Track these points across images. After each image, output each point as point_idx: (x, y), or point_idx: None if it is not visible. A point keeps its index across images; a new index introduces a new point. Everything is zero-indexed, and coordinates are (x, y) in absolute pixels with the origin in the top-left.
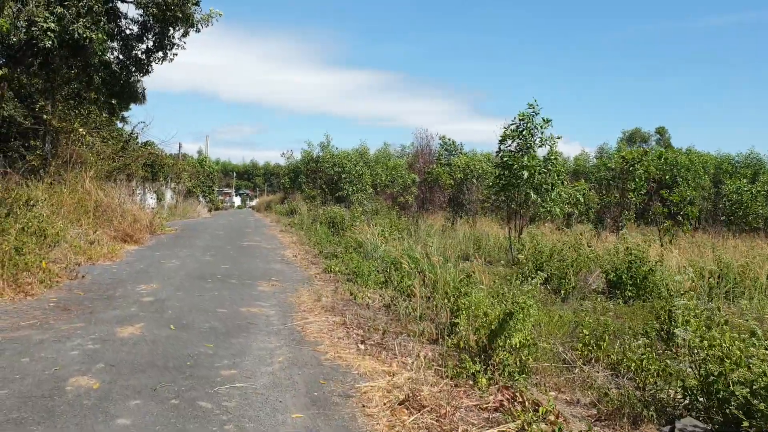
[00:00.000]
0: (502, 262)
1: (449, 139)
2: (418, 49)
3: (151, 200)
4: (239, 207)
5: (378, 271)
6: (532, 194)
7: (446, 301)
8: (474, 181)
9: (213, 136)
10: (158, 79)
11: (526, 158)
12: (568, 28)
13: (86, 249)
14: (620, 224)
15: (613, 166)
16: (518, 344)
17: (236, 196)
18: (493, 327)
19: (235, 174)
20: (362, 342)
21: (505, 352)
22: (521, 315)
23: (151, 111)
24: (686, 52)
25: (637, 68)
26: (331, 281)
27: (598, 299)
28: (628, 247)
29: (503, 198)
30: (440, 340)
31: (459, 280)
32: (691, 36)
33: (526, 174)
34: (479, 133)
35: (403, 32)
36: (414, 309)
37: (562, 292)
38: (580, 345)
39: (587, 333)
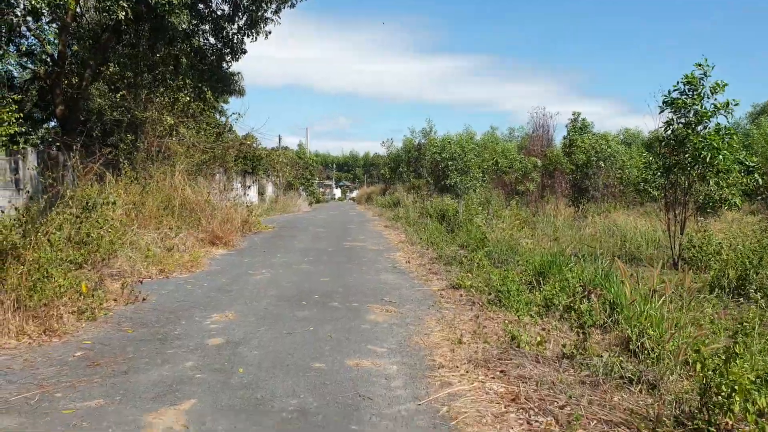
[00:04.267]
0: (660, 263)
1: (582, 118)
2: (511, 31)
3: (252, 195)
4: (339, 199)
5: (525, 286)
6: (712, 178)
7: (696, 367)
8: (601, 164)
9: (310, 129)
10: (254, 74)
11: (715, 133)
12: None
13: (162, 257)
14: None
15: None
16: None
17: (336, 188)
18: None
19: (334, 166)
20: None
21: None
22: None
23: (251, 106)
24: None
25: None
26: (464, 303)
27: None
28: None
29: (662, 183)
30: None
31: (734, 347)
32: None
33: (707, 154)
34: (585, 116)
35: (495, 14)
36: (620, 364)
37: None
38: None
39: None
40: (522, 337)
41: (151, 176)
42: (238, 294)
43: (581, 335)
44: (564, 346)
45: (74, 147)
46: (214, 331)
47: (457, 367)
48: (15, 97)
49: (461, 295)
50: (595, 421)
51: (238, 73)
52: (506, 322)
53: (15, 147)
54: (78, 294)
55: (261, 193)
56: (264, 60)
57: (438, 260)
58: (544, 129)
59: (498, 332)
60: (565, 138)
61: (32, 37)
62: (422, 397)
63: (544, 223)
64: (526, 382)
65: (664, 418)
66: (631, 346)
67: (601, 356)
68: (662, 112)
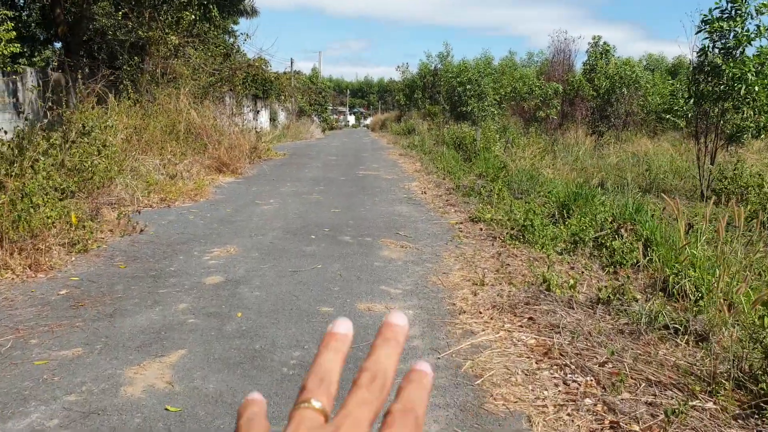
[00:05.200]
0: (689, 194)
1: (603, 42)
2: None
3: (263, 120)
4: (353, 126)
5: (548, 219)
6: (747, 110)
7: (763, 321)
8: (624, 90)
9: (324, 54)
10: None
11: (752, 58)
12: None
13: (164, 185)
14: None
15: None
16: None
17: (350, 114)
18: None
19: (348, 92)
20: (614, 429)
21: None
22: None
23: (263, 30)
24: None
25: None
26: (484, 238)
27: None
28: None
29: (691, 112)
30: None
31: None
32: None
33: (741, 86)
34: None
35: None
36: (664, 313)
37: None
38: None
39: None
40: (552, 280)
41: (155, 99)
42: (242, 226)
43: (617, 277)
44: (600, 289)
45: (67, 65)
46: (213, 267)
47: (480, 312)
48: (9, 13)
49: (481, 229)
50: (643, 383)
51: None
52: (531, 259)
53: (9, 68)
54: (69, 225)
55: (273, 119)
56: None
57: (455, 191)
58: (565, 54)
59: (523, 272)
60: (585, 63)
61: None
62: (442, 348)
63: (565, 151)
64: (559, 333)
65: (721, 379)
66: (674, 291)
67: (637, 299)
68: (699, 32)
